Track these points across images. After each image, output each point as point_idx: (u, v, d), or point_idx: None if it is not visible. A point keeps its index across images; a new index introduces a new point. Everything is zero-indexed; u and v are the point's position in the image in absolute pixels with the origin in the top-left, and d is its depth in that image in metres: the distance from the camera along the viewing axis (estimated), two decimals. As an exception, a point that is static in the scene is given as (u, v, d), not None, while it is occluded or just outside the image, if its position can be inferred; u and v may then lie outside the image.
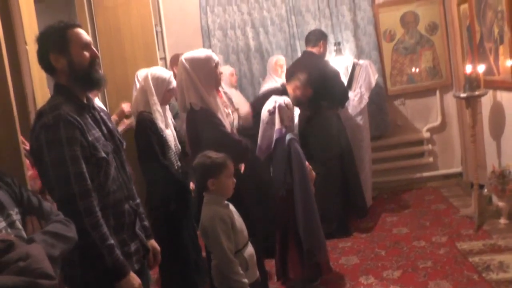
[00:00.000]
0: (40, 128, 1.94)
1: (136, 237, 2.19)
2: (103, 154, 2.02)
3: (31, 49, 3.40)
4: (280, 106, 3.55)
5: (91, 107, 2.13)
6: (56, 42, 2.03)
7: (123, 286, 1.99)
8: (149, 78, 3.50)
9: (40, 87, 3.49)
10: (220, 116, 2.99)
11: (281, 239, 3.68)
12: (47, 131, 1.92)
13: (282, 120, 3.57)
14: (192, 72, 2.98)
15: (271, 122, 3.58)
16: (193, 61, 3.02)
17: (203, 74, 3.00)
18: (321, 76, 4.63)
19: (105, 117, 2.21)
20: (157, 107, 3.44)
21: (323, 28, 5.63)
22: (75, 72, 2.04)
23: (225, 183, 2.54)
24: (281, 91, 4.28)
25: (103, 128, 2.14)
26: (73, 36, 2.05)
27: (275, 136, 3.56)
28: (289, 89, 4.27)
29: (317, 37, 4.93)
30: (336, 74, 4.81)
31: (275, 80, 5.22)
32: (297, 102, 4.19)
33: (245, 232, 2.61)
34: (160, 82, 3.50)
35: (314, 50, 4.91)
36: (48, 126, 1.92)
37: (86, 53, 2.07)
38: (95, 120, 2.11)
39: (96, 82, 2.12)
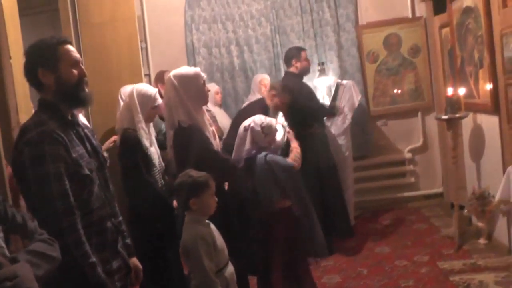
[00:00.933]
0: (23, 144, 1.92)
1: (118, 255, 2.17)
2: (87, 172, 2.01)
3: (16, 63, 3.38)
4: (252, 128, 3.49)
5: (75, 124, 2.12)
6: (46, 58, 2.01)
7: None
8: (134, 94, 3.48)
9: (24, 102, 3.46)
10: (207, 133, 3.00)
11: (263, 256, 3.66)
12: (30, 147, 1.90)
13: (253, 142, 3.50)
14: (181, 89, 2.98)
15: (243, 139, 3.57)
16: (181, 78, 3.03)
17: (192, 91, 3.00)
18: (296, 96, 4.69)
19: (89, 134, 2.19)
20: (141, 125, 3.41)
21: (307, 48, 5.71)
22: (62, 89, 2.03)
23: (207, 202, 2.53)
24: (264, 104, 4.31)
25: (87, 145, 2.12)
26: (64, 53, 2.04)
27: (244, 155, 3.54)
28: (268, 100, 4.30)
29: (288, 57, 5.01)
30: (308, 94, 4.85)
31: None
32: (277, 109, 4.26)
33: (226, 251, 2.60)
34: (145, 99, 3.48)
35: (292, 69, 4.97)
36: (32, 142, 1.91)
37: (75, 71, 2.06)
38: (79, 137, 2.09)
39: (83, 101, 2.11)
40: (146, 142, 3.40)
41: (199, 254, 2.41)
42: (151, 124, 3.63)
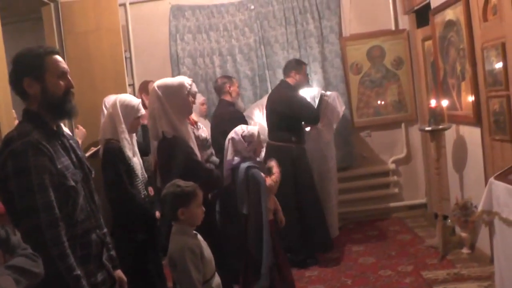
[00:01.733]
0: (7, 155, 1.89)
1: (103, 268, 2.14)
2: (72, 183, 1.98)
3: (-2, 72, 3.34)
4: (233, 138, 3.54)
5: (60, 135, 2.09)
6: (33, 68, 1.99)
7: None
8: (118, 105, 3.45)
9: (6, 112, 3.41)
10: (191, 144, 2.99)
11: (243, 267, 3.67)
12: (14, 159, 1.87)
13: (235, 151, 3.54)
14: (165, 100, 2.97)
15: (227, 150, 3.59)
16: (166, 89, 3.02)
17: (176, 102, 2.99)
18: (286, 107, 4.73)
19: (74, 145, 2.16)
20: (125, 135, 3.38)
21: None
22: (48, 100, 2.01)
23: (195, 212, 2.52)
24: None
25: (72, 156, 2.09)
26: (51, 63, 2.02)
27: (226, 166, 3.55)
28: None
29: (288, 67, 5.00)
30: (300, 101, 4.85)
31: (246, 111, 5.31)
32: None
33: (213, 262, 2.59)
34: (128, 110, 3.45)
35: (289, 80, 4.97)
36: (17, 153, 1.88)
37: (62, 83, 2.03)
38: (64, 148, 2.06)
39: (68, 113, 2.08)
40: (129, 153, 3.36)
41: (187, 265, 2.39)
42: (134, 134, 3.61)
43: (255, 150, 3.64)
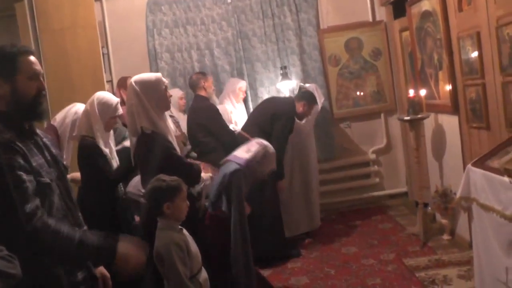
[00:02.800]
0: None
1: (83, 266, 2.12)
2: (48, 180, 1.94)
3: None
4: (263, 155, 3.56)
5: (33, 133, 2.04)
6: (3, 67, 1.92)
7: None
8: (95, 102, 3.42)
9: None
10: (170, 139, 2.98)
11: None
12: None
13: (251, 159, 3.52)
14: (143, 95, 2.95)
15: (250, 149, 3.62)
16: (143, 84, 3.00)
17: (154, 97, 2.97)
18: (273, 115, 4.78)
19: (48, 143, 2.11)
20: (100, 133, 3.37)
21: (269, 53, 5.81)
22: (18, 101, 1.94)
23: (180, 206, 2.52)
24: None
25: (46, 154, 2.04)
26: (24, 64, 1.95)
27: (238, 160, 3.55)
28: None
29: (299, 97, 5.02)
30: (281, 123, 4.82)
31: (233, 104, 5.31)
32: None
33: (199, 256, 2.59)
34: (105, 108, 3.41)
35: (298, 105, 4.93)
36: None
37: (33, 84, 1.97)
38: (38, 147, 2.01)
39: (38, 115, 2.02)
40: (105, 150, 3.35)
41: (173, 260, 2.39)
42: (111, 132, 3.58)
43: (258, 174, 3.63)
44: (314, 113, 5.18)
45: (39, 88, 2.00)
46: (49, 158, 2.04)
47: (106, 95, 3.53)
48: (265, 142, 3.64)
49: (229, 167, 3.49)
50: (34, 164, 1.90)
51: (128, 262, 2.01)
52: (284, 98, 5.30)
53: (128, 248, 2.03)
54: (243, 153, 3.56)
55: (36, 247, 1.81)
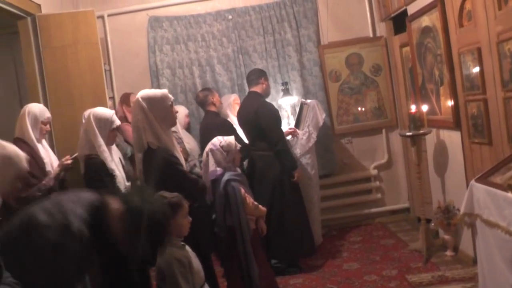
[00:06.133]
0: None
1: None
2: None
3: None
4: (211, 150, 3.60)
5: None
6: None
7: None
8: (92, 119, 3.42)
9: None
10: (177, 154, 2.98)
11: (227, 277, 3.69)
12: None
13: (218, 162, 3.60)
14: (149, 111, 2.97)
15: (207, 164, 3.63)
16: (149, 100, 3.02)
17: (160, 113, 3.00)
18: (257, 117, 4.72)
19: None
20: (103, 148, 3.36)
21: (270, 69, 5.79)
22: None
23: (182, 223, 2.52)
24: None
25: None
26: None
27: (209, 177, 3.59)
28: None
29: (257, 75, 4.99)
30: (271, 118, 4.77)
31: (230, 117, 5.30)
32: None
33: (202, 272, 2.58)
34: (103, 123, 3.42)
35: (257, 88, 4.95)
36: None
37: None
38: None
39: None
40: (110, 165, 3.34)
41: (176, 277, 2.38)
42: (114, 147, 3.58)
43: (234, 160, 3.68)
44: (315, 128, 5.18)
45: None
46: None
47: (100, 110, 3.54)
48: (211, 142, 3.68)
49: (219, 184, 3.56)
50: None
51: None
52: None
53: None
54: (211, 167, 3.61)
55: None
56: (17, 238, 1.69)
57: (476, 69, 3.78)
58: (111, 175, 3.30)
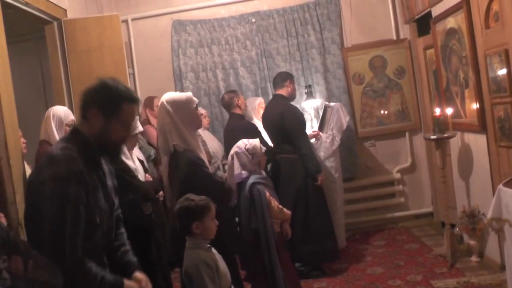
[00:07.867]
0: (49, 177, 1.87)
1: None
2: (98, 221, 1.97)
3: (4, 91, 3.35)
4: (237, 153, 3.61)
5: (99, 164, 2.10)
6: (108, 105, 2.01)
7: None
8: None
9: (12, 132, 3.41)
10: (202, 157, 3.01)
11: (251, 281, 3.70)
12: (56, 184, 1.86)
13: (243, 165, 3.60)
14: (175, 114, 3.00)
15: (232, 167, 3.64)
16: (174, 103, 3.05)
17: (185, 115, 3.03)
18: (282, 119, 4.71)
19: (107, 174, 2.15)
20: (124, 151, 3.39)
21: (293, 71, 5.76)
22: (101, 139, 2.02)
23: (209, 226, 2.52)
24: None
25: (106, 184, 2.10)
26: (125, 111, 2.04)
27: (235, 180, 3.60)
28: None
29: (283, 78, 4.99)
30: (295, 121, 4.76)
31: (254, 121, 5.30)
32: None
33: (229, 275, 2.59)
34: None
35: (283, 91, 4.95)
36: (59, 178, 1.87)
37: (122, 131, 2.06)
38: (99, 179, 2.06)
39: (111, 158, 2.16)
40: (130, 163, 3.37)
41: (203, 279, 2.39)
42: (136, 150, 3.60)
43: (259, 163, 3.68)
44: (339, 131, 5.17)
45: (124, 138, 2.09)
46: (106, 191, 2.08)
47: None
48: (236, 145, 3.68)
49: (244, 187, 3.57)
50: (91, 201, 1.93)
51: None
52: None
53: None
54: (237, 170, 3.61)
55: (66, 278, 1.81)
56: None
57: (503, 71, 3.72)
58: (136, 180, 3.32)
